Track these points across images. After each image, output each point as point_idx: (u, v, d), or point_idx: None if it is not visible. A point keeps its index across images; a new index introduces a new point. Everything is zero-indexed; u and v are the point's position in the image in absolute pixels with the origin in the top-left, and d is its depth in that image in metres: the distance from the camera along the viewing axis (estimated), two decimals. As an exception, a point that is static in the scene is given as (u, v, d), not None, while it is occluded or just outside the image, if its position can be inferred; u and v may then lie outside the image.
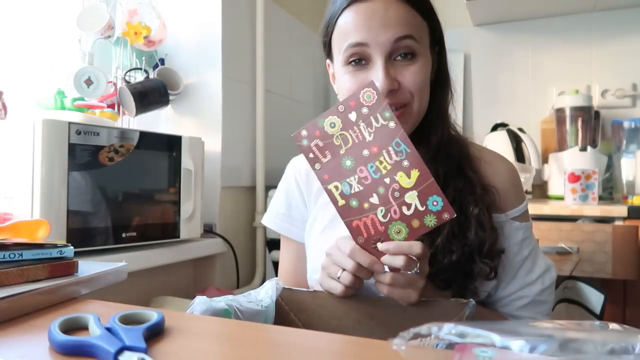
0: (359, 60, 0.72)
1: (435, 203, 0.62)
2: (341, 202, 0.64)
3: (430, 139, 0.76)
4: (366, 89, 0.63)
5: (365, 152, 0.63)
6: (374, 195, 0.63)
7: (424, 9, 0.73)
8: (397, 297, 0.63)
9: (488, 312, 0.79)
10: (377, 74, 0.70)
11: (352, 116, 0.63)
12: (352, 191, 0.64)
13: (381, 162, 0.63)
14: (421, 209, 0.62)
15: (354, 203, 0.64)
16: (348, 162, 0.64)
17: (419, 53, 0.72)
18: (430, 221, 0.63)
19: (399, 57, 0.71)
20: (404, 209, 0.63)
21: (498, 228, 0.75)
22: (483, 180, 0.77)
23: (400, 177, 0.63)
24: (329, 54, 0.79)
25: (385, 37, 0.69)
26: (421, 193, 0.62)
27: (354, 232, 0.64)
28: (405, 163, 0.62)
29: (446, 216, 0.62)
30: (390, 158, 0.63)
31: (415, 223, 0.63)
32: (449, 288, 0.72)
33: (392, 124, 0.62)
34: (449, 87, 0.80)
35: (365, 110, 0.63)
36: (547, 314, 0.81)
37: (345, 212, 0.64)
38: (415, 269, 0.62)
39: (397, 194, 0.63)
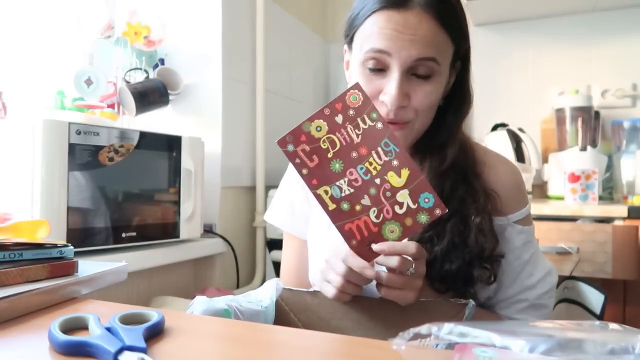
0: (376, 65, 0.70)
1: (427, 200, 0.62)
2: (332, 206, 0.63)
3: (446, 153, 0.75)
4: (352, 91, 0.61)
5: (354, 154, 0.62)
6: (365, 196, 0.63)
7: (454, 30, 0.70)
8: (393, 298, 0.63)
9: (487, 314, 0.79)
10: (390, 87, 0.69)
11: (339, 119, 0.62)
12: (343, 194, 0.63)
13: (371, 163, 0.62)
14: (413, 206, 0.62)
15: (345, 206, 0.63)
16: (337, 165, 0.63)
17: (437, 74, 0.70)
18: (423, 218, 0.63)
19: (416, 74, 0.70)
20: (397, 208, 0.63)
21: (499, 232, 0.75)
22: (486, 186, 0.76)
23: (391, 176, 0.62)
24: (349, 43, 0.77)
25: (409, 53, 0.67)
26: (412, 191, 0.62)
27: (347, 236, 0.63)
28: (395, 162, 0.62)
29: (438, 212, 0.62)
30: (380, 158, 0.62)
31: (409, 221, 0.63)
32: (448, 292, 0.72)
33: (379, 125, 0.62)
34: (469, 103, 0.78)
35: (351, 112, 0.62)
36: (547, 316, 0.80)
37: (337, 216, 0.63)
38: (410, 269, 0.61)
39: (388, 193, 0.62)
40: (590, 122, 1.86)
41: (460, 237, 0.72)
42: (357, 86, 0.62)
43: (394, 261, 0.61)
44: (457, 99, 0.77)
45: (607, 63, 2.00)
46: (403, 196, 0.62)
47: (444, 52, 0.70)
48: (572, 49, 2.05)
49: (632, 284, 1.43)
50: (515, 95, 2.13)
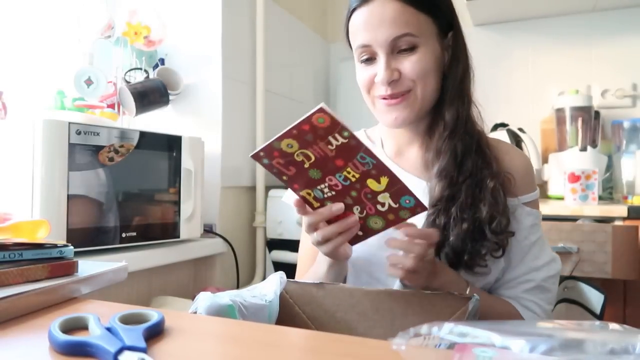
0: (367, 57, 0.79)
1: (407, 201, 0.64)
2: (316, 204, 0.66)
3: (445, 117, 0.81)
4: (317, 114, 0.58)
5: (331, 165, 0.62)
6: (347, 197, 0.65)
7: (421, 4, 0.76)
8: (410, 280, 0.68)
9: (492, 298, 0.82)
10: (379, 68, 0.77)
11: (309, 137, 0.60)
12: (325, 196, 0.65)
13: (349, 172, 0.62)
14: (395, 206, 0.64)
15: (328, 204, 0.66)
16: (315, 174, 0.63)
17: (420, 45, 0.77)
18: (405, 214, 0.65)
19: (401, 50, 0.77)
20: (379, 206, 0.65)
21: (510, 212, 0.79)
22: (500, 168, 0.81)
23: (370, 183, 0.63)
24: (349, 46, 0.85)
25: (383, 37, 0.75)
26: (393, 194, 0.64)
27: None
28: (373, 172, 0.62)
29: (419, 210, 0.65)
30: (357, 168, 0.62)
31: (391, 216, 0.66)
32: (459, 262, 0.75)
33: (353, 142, 0.60)
34: (460, 67, 0.82)
35: (321, 132, 0.59)
36: (551, 302, 0.84)
37: None
38: (429, 255, 0.66)
39: (369, 196, 0.64)
40: (590, 122, 1.86)
41: (473, 199, 0.76)
42: (322, 109, 0.58)
43: (419, 249, 0.65)
44: (452, 64, 0.83)
45: (607, 63, 2.00)
46: (384, 198, 0.64)
47: (418, 25, 0.76)
48: (572, 49, 2.05)
49: (632, 284, 1.43)
50: (515, 95, 2.13)
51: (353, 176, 0.63)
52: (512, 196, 0.81)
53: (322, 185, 0.64)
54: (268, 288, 0.69)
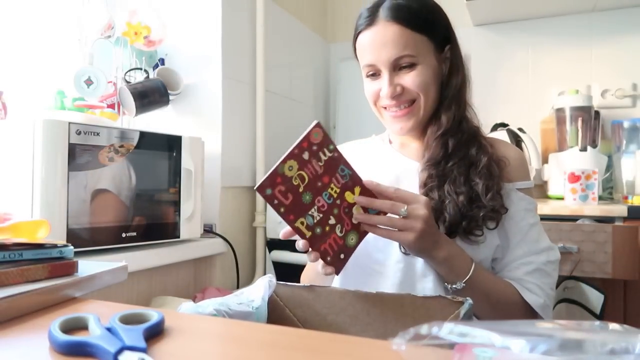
0: (373, 73, 0.89)
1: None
2: (308, 234, 0.71)
3: (441, 118, 0.89)
4: (314, 129, 0.70)
5: (319, 184, 0.71)
6: (331, 217, 0.73)
7: (418, 26, 0.85)
8: (394, 238, 0.74)
9: (493, 275, 0.85)
10: (383, 85, 0.87)
11: (305, 155, 0.69)
12: (315, 220, 0.72)
13: (332, 188, 0.72)
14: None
15: (318, 230, 0.71)
16: (307, 197, 0.71)
17: (419, 62, 0.86)
18: None
19: (402, 67, 0.86)
20: (353, 219, 0.74)
21: (505, 192, 0.85)
22: (496, 155, 0.87)
23: (347, 195, 0.73)
24: (358, 61, 0.94)
25: (386, 57, 0.85)
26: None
27: (323, 255, 0.72)
28: (350, 183, 0.73)
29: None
30: (338, 182, 0.72)
31: (362, 227, 0.74)
32: (456, 231, 0.80)
33: (336, 154, 0.72)
34: (459, 76, 0.91)
35: (315, 147, 0.70)
36: (552, 287, 0.86)
37: (313, 241, 0.71)
38: (402, 210, 0.72)
39: (346, 210, 0.74)
40: (590, 122, 1.86)
41: (467, 175, 0.83)
42: (318, 125, 0.70)
43: (386, 204, 0.72)
44: (450, 74, 0.91)
45: (607, 63, 2.00)
46: (357, 209, 0.74)
47: (416, 46, 0.85)
48: (572, 49, 2.05)
49: (632, 284, 1.43)
50: (515, 95, 2.13)
51: (335, 192, 0.72)
52: (506, 181, 0.86)
53: (312, 210, 0.71)
54: (255, 293, 0.69)
